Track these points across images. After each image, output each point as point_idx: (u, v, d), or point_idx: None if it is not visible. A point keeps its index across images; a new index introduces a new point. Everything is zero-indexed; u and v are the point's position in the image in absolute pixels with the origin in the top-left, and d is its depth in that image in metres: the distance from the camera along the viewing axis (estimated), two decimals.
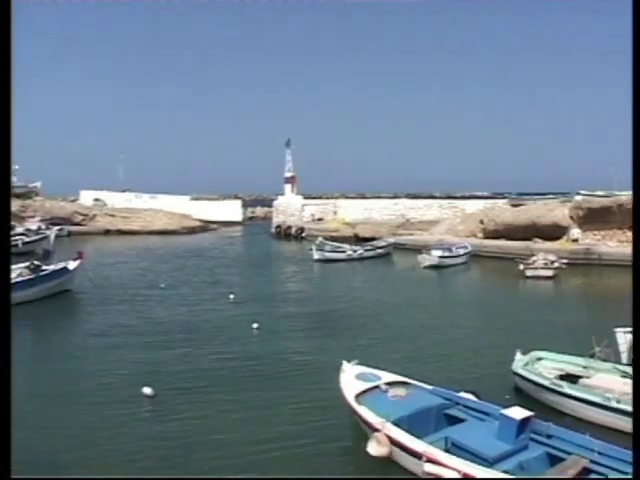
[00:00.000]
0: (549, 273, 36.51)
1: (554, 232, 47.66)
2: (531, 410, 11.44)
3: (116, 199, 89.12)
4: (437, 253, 43.13)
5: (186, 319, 25.54)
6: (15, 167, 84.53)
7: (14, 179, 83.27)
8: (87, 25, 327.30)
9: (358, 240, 58.68)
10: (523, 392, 15.49)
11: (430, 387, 13.62)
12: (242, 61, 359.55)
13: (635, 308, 10.06)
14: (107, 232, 77.29)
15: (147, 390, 15.85)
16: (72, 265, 32.26)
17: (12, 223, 67.11)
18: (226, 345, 21.25)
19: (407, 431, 11.34)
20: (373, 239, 56.46)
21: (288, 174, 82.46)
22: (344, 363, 14.87)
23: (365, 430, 12.36)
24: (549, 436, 11.20)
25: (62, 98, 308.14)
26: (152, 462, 12.05)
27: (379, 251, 50.24)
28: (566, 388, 14.22)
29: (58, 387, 16.89)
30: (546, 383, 14.72)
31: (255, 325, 23.56)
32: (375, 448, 11.42)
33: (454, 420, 12.30)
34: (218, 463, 11.97)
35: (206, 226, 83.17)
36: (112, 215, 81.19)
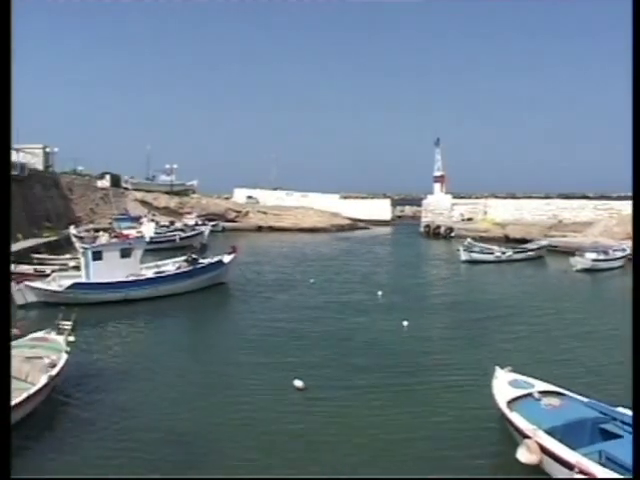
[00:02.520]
0: None
1: None
2: None
3: (268, 197, 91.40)
4: (591, 256, 41.23)
5: (336, 314, 26.03)
6: (174, 166, 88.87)
7: (173, 177, 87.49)
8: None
9: (508, 241, 57.36)
10: None
11: (585, 399, 13.14)
12: (385, 57, 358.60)
13: (635, 308, 9.49)
14: (259, 228, 79.61)
15: (298, 383, 16.26)
16: (227, 259, 33.62)
17: (171, 219, 70.77)
18: (376, 342, 21.45)
19: (560, 441, 10.99)
20: (524, 240, 54.93)
21: (437, 173, 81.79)
22: (497, 369, 14.64)
23: (515, 437, 12.13)
24: None
25: (212, 102, 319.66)
26: (295, 455, 12.36)
27: (530, 254, 48.42)
28: None
29: (211, 375, 17.66)
30: None
31: (405, 323, 23.60)
32: (525, 455, 11.15)
33: (610, 435, 11.79)
34: (359, 460, 12.13)
35: (355, 224, 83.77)
36: (264, 212, 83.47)
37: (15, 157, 58.10)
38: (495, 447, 12.87)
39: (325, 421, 14.11)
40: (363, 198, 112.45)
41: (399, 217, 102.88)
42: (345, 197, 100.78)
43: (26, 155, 64.61)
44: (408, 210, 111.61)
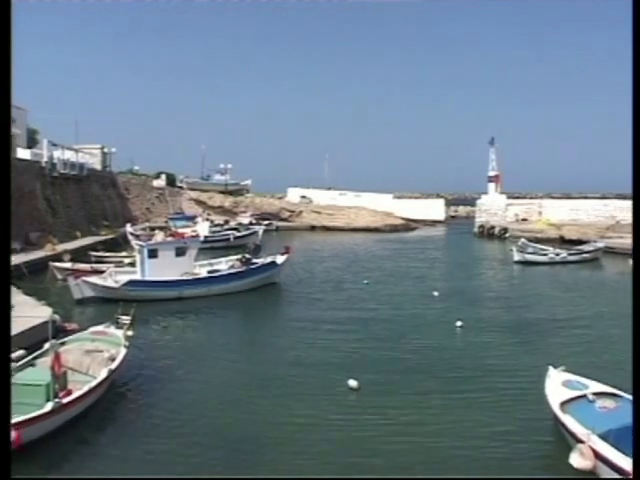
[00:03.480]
0: None
1: None
2: None
3: (321, 196, 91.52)
4: None
5: (390, 315, 26.01)
6: (228, 166, 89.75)
7: (227, 177, 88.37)
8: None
9: (564, 242, 56.44)
10: None
11: None
12: (439, 55, 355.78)
13: (635, 308, 9.27)
14: (312, 228, 79.90)
15: (352, 383, 16.29)
16: (280, 259, 33.83)
17: (226, 218, 71.54)
18: (430, 342, 21.43)
19: (614, 446, 10.75)
20: (580, 241, 53.92)
21: (492, 173, 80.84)
22: (550, 369, 14.51)
23: (569, 440, 12.01)
24: None
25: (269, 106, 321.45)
26: (346, 456, 12.39)
27: (585, 256, 47.22)
28: None
29: (263, 374, 17.81)
30: None
31: (459, 323, 23.54)
32: (578, 460, 11.00)
33: None
34: (410, 461, 12.14)
35: (408, 224, 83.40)
36: (317, 212, 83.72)
37: (74, 157, 59.46)
38: (547, 450, 12.75)
39: (378, 422, 14.13)
40: (417, 198, 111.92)
41: (453, 217, 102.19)
42: (398, 197, 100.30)
43: (85, 155, 66.03)
44: (462, 210, 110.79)
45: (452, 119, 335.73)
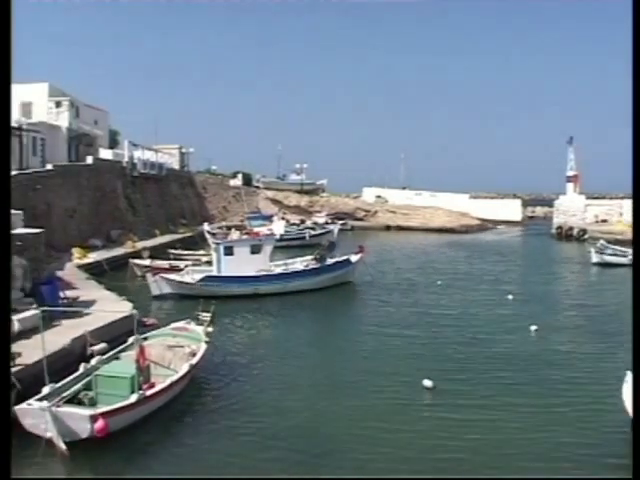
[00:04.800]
0: None
1: None
2: None
3: (396, 196, 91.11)
4: None
5: (463, 317, 25.71)
6: (304, 165, 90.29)
7: (303, 177, 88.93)
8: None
9: None
10: None
11: None
12: (513, 59, 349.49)
13: (635, 308, 8.86)
14: (387, 228, 79.69)
15: (428, 383, 16.19)
16: (354, 258, 33.85)
17: (301, 217, 72.00)
18: (504, 344, 21.10)
19: None
20: None
21: (570, 173, 78.91)
22: (628, 373, 14.11)
23: None
24: None
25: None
26: (419, 454, 12.34)
27: None
28: None
29: (339, 373, 17.89)
30: None
31: (534, 327, 23.08)
32: None
33: None
34: (481, 461, 12.00)
35: (484, 225, 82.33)
36: (393, 212, 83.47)
37: (154, 157, 60.78)
38: (623, 455, 12.29)
39: (452, 421, 14.04)
40: (493, 198, 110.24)
41: (530, 218, 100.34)
42: (474, 197, 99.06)
43: (164, 155, 67.42)
44: (539, 211, 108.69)
45: (530, 117, 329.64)
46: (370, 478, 11.56)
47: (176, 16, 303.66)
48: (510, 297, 29.83)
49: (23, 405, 12.12)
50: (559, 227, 71.32)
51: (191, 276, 29.38)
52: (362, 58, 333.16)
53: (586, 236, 63.84)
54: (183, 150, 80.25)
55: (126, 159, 52.82)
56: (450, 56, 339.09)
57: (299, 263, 33.29)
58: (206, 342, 17.02)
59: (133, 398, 12.79)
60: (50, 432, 11.69)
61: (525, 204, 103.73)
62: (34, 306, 16.62)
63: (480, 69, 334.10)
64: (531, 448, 12.57)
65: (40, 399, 12.27)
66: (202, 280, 28.48)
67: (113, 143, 63.84)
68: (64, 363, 14.93)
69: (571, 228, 68.78)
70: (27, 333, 16.17)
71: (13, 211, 24.85)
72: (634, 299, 9.39)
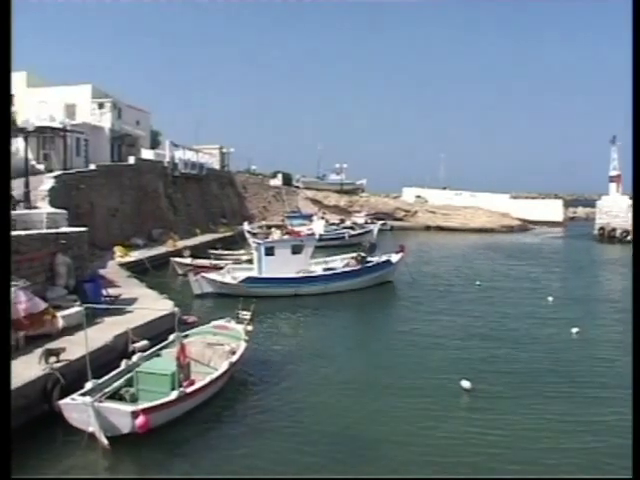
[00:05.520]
0: None
1: None
2: None
3: (436, 196, 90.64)
4: None
5: (502, 318, 25.45)
6: (344, 165, 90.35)
7: (343, 176, 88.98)
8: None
9: None
10: None
11: None
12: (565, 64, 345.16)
13: (635, 307, 8.66)
14: (427, 228, 79.34)
15: (465, 384, 16.06)
16: (395, 258, 33.76)
17: (341, 217, 72.04)
18: (544, 347, 20.84)
19: None
20: None
21: (613, 173, 77.53)
22: None
23: None
24: None
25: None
26: (456, 457, 12.26)
27: None
28: None
29: (377, 374, 17.80)
30: None
31: (575, 330, 22.76)
32: None
33: None
34: (519, 468, 11.84)
35: (525, 225, 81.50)
36: (432, 212, 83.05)
37: (195, 157, 61.33)
38: None
39: (490, 425, 13.88)
40: (533, 198, 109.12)
41: (571, 218, 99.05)
42: (515, 197, 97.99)
43: (204, 155, 67.98)
44: (581, 211, 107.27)
45: (572, 117, 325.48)
46: (370, 478, 11.53)
47: (216, 18, 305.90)
48: (550, 299, 29.43)
49: (67, 400, 12.39)
50: (601, 228, 70.17)
51: (232, 275, 29.60)
52: (401, 57, 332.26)
53: (629, 238, 62.74)
54: (223, 150, 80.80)
55: (167, 159, 53.41)
56: (505, 56, 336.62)
57: (339, 261, 33.32)
58: (246, 341, 17.12)
59: (173, 395, 12.95)
60: (92, 426, 11.92)
61: (566, 204, 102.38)
62: (77, 303, 16.93)
63: (531, 65, 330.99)
64: (570, 458, 12.33)
65: (83, 394, 12.52)
66: (243, 280, 28.66)
67: (154, 143, 64.64)
68: (107, 359, 15.21)
69: (614, 229, 67.63)
70: (71, 330, 16.47)
71: (58, 210, 25.45)
72: (634, 298, 9.28)
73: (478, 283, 34.49)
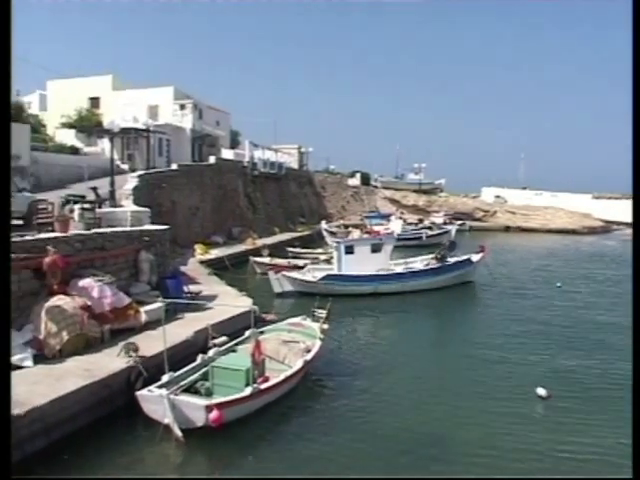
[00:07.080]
0: None
1: None
2: None
3: (516, 196, 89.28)
4: None
5: (583, 322, 24.87)
6: (422, 165, 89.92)
7: (421, 176, 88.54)
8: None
9: None
10: None
11: None
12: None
13: (635, 306, 8.17)
14: (507, 229, 78.16)
15: (541, 391, 15.63)
16: (475, 258, 33.48)
17: (419, 217, 71.69)
18: (628, 354, 20.13)
19: None
20: None
21: None
22: None
23: None
24: None
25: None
26: (533, 464, 12.04)
27: None
28: None
29: (452, 377, 17.65)
30: None
31: None
32: None
33: None
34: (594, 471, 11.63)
35: (608, 226, 79.47)
36: (512, 212, 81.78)
37: (273, 157, 62.11)
38: None
39: (568, 435, 13.47)
40: (617, 198, 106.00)
41: None
42: (597, 197, 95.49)
43: (283, 155, 68.70)
44: None
45: None
46: (370, 478, 11.49)
47: (264, 20, 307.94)
48: None
49: (144, 391, 12.82)
50: None
51: (312, 274, 29.90)
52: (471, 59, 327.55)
53: None
54: (302, 150, 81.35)
55: (247, 159, 54.16)
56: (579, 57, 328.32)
57: (419, 262, 33.20)
58: (321, 339, 17.21)
59: (248, 391, 13.15)
60: (167, 418, 12.28)
61: None
62: (160, 299, 17.49)
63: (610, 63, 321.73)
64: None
65: (160, 386, 12.93)
66: (323, 278, 28.90)
67: (234, 143, 65.74)
68: (187, 354, 15.57)
69: None
70: (153, 324, 16.90)
71: (141, 208, 26.18)
72: (634, 298, 8.99)
73: (558, 284, 33.87)
